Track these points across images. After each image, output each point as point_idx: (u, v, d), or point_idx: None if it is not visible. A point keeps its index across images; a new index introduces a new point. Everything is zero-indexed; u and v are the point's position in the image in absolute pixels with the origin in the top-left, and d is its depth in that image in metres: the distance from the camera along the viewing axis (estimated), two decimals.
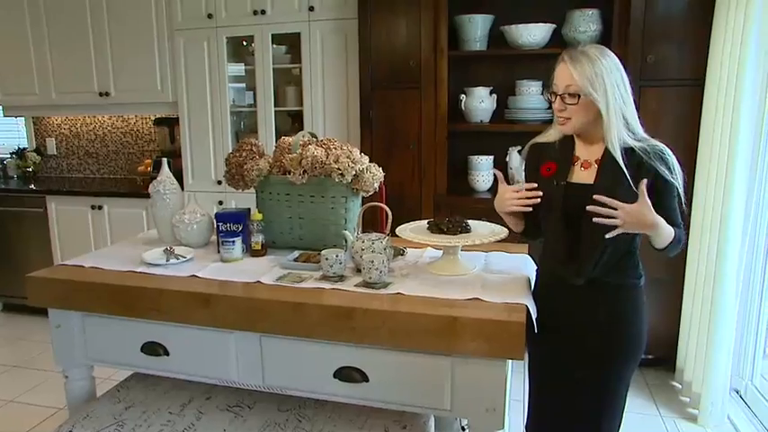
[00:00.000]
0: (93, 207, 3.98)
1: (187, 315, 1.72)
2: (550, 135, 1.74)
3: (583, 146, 1.68)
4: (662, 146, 1.61)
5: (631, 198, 1.53)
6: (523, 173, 1.83)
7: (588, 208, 1.52)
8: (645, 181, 1.50)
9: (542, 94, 3.14)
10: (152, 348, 1.82)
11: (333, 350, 1.64)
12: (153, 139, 4.43)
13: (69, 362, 1.96)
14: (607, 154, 1.61)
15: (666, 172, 1.57)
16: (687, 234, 1.62)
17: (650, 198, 1.55)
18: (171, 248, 2.02)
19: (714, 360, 2.63)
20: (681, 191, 1.60)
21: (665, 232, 1.54)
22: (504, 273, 1.84)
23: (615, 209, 1.49)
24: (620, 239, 1.56)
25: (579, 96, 1.56)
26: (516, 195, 1.66)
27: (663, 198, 1.59)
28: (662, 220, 1.53)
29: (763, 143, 2.50)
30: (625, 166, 1.57)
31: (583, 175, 1.65)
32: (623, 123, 1.59)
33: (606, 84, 1.56)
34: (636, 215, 1.49)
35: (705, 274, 2.70)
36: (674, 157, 1.60)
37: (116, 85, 3.99)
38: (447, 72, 3.09)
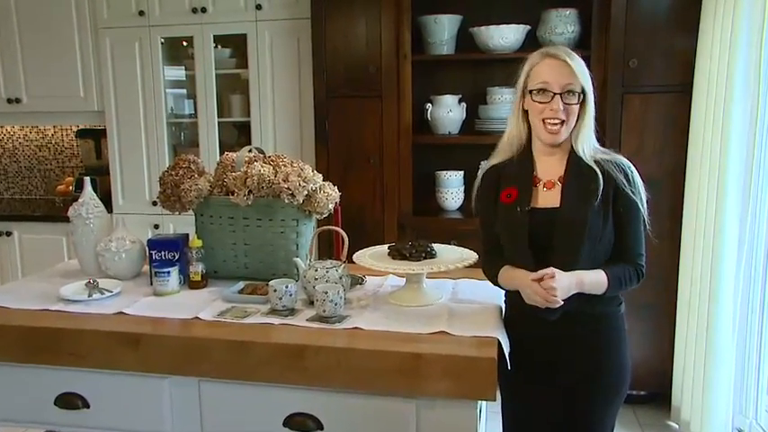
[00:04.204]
0: (0, 233, 3.89)
1: (112, 359, 1.71)
2: (502, 151, 1.79)
3: (544, 161, 1.74)
4: (625, 160, 1.69)
5: (600, 218, 1.62)
6: (476, 201, 1.85)
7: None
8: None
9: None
10: (69, 401, 1.78)
11: (282, 395, 1.65)
12: (75, 153, 4.38)
13: None
14: (570, 169, 1.68)
15: (630, 189, 1.64)
16: (643, 269, 1.71)
17: (613, 221, 1.64)
18: (94, 281, 2.00)
19: (713, 396, 2.69)
20: (644, 212, 1.68)
21: (591, 286, 1.63)
22: (474, 302, 1.88)
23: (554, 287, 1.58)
24: (595, 265, 1.63)
25: (582, 95, 1.64)
26: (541, 292, 1.61)
27: (626, 221, 1.66)
28: (583, 275, 1.61)
29: (756, 154, 2.58)
30: (590, 178, 1.64)
31: (547, 197, 1.71)
32: (594, 129, 1.69)
33: (592, 84, 1.66)
34: (564, 289, 1.58)
35: (699, 299, 2.78)
36: (637, 173, 1.69)
37: (28, 91, 3.93)
38: (411, 78, 3.16)
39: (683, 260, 2.90)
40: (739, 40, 2.53)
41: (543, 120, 1.66)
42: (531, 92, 1.68)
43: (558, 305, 1.60)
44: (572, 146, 1.69)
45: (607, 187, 1.64)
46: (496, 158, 1.81)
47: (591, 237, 1.63)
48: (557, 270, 1.59)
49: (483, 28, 3.15)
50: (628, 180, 1.65)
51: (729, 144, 2.59)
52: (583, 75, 1.64)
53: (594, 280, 1.63)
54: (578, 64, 1.65)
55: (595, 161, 1.66)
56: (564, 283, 1.58)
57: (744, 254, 2.66)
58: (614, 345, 1.73)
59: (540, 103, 1.65)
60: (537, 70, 1.67)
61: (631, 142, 2.92)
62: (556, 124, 1.65)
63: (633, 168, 1.69)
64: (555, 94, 1.63)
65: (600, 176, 1.63)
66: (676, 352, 3.01)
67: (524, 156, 1.76)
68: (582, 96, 1.65)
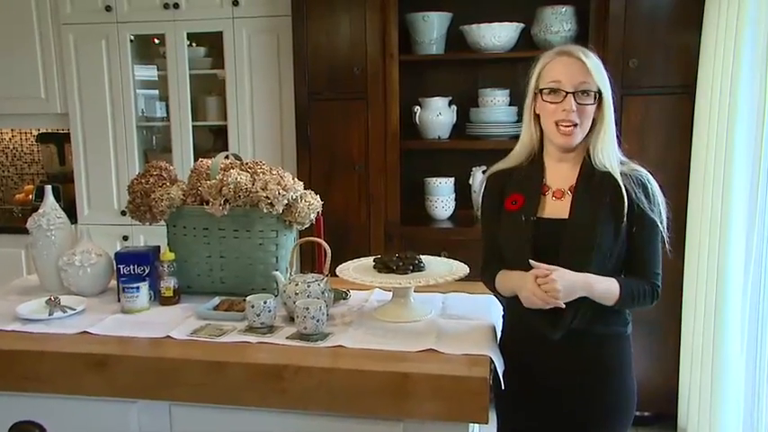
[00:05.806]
0: None
1: (74, 383, 1.70)
2: (513, 157, 1.80)
3: (555, 168, 1.74)
4: (644, 172, 1.69)
5: (612, 234, 1.62)
6: (479, 207, 1.87)
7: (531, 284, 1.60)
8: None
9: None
10: (25, 430, 1.74)
11: (260, 419, 1.65)
12: (36, 159, 4.36)
13: None
14: (582, 178, 1.69)
15: (648, 205, 1.64)
16: (659, 288, 1.71)
17: (627, 237, 1.64)
18: (56, 299, 1.99)
19: (722, 415, 2.71)
20: (663, 229, 1.67)
21: (601, 293, 1.62)
22: (465, 318, 1.89)
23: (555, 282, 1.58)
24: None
25: (598, 96, 1.63)
26: (540, 293, 1.59)
27: (643, 238, 1.66)
28: (593, 279, 1.60)
29: (763, 159, 2.61)
30: (604, 189, 1.65)
31: (555, 207, 1.71)
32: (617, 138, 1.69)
33: (610, 88, 1.66)
34: (567, 288, 1.58)
35: (705, 314, 2.81)
36: (657, 186, 1.68)
37: None
38: (398, 80, 3.18)
39: (688, 271, 2.93)
40: (744, 38, 2.57)
41: (556, 122, 1.65)
42: (542, 91, 1.67)
43: (558, 305, 1.59)
44: (587, 153, 1.68)
45: (622, 201, 1.62)
46: (505, 163, 1.81)
47: (601, 252, 1.63)
48: (559, 268, 1.59)
49: (474, 26, 3.17)
50: (646, 194, 1.64)
51: (734, 148, 2.63)
52: (599, 74, 1.64)
53: (606, 287, 1.62)
54: (595, 63, 1.65)
55: (620, 172, 1.65)
56: (567, 282, 1.58)
57: (752, 264, 2.69)
58: (622, 369, 1.74)
59: (552, 103, 1.65)
60: (549, 69, 1.67)
61: (632, 147, 2.91)
62: (569, 126, 1.64)
63: (653, 182, 1.68)
64: (567, 93, 1.62)
65: (617, 188, 1.62)
66: (682, 369, 3.03)
67: (535, 161, 1.76)
68: (598, 98, 1.64)
